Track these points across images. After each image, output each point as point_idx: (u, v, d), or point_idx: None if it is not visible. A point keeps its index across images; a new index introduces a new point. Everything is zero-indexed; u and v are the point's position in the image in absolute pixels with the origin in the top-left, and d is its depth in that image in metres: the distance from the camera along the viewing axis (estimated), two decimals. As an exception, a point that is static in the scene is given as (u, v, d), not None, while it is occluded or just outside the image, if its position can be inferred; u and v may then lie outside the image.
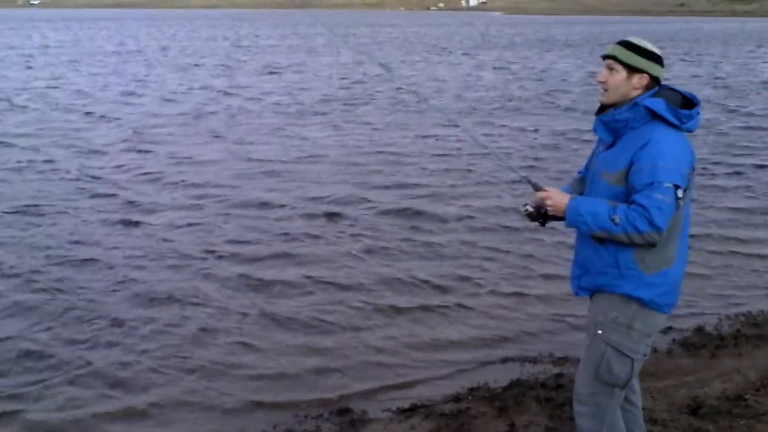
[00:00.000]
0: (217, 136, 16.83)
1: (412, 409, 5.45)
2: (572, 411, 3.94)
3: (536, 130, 17.99)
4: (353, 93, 25.09)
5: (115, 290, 7.69)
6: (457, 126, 14.16)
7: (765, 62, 40.68)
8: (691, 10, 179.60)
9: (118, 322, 6.92)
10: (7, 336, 6.62)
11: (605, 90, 3.69)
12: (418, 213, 10.64)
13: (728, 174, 13.38)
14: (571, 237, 8.29)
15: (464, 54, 46.05)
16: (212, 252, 8.87)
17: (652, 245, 3.49)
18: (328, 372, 6.12)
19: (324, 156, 14.67)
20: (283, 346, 6.57)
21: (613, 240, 3.52)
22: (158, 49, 47.39)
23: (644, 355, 3.71)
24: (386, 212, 10.67)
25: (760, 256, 8.95)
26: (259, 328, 6.90)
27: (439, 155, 14.88)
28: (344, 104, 22.29)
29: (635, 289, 3.60)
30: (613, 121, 3.64)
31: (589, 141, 14.44)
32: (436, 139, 16.67)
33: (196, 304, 7.37)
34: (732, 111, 21.69)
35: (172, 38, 63.15)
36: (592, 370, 3.71)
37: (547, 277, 8.25)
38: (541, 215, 3.81)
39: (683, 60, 41.87)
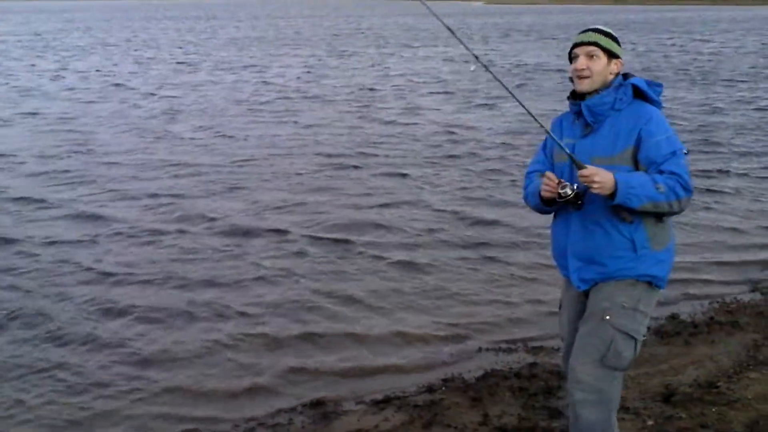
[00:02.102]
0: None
1: (386, 401, 5.43)
2: (558, 401, 3.88)
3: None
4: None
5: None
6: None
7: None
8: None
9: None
10: None
11: (586, 77, 3.68)
12: (388, 204, 10.65)
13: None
14: (539, 226, 8.32)
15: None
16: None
17: (678, 212, 3.55)
18: (301, 364, 6.08)
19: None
20: (255, 339, 6.52)
21: (629, 218, 3.54)
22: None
23: (644, 336, 3.73)
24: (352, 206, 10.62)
25: (729, 245, 9.00)
26: (233, 322, 6.86)
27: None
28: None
29: (649, 268, 3.63)
30: (600, 104, 3.65)
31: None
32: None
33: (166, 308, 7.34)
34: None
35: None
36: (598, 356, 3.64)
37: (521, 266, 8.25)
38: (579, 196, 3.60)
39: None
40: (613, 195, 3.45)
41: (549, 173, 3.67)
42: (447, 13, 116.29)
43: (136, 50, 40.25)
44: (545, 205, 3.80)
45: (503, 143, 15.09)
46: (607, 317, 3.64)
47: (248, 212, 10.31)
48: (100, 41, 47.96)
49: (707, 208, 10.38)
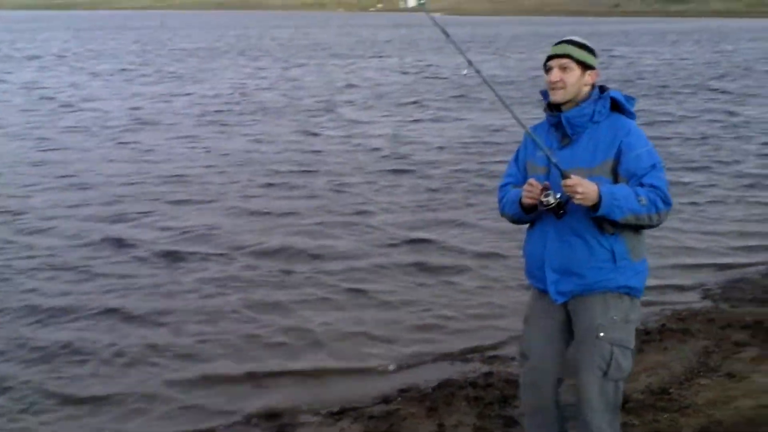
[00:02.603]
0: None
1: (342, 412, 5.43)
2: (514, 410, 3.87)
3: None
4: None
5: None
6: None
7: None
8: (625, 11, 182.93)
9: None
10: None
11: (560, 89, 3.69)
12: (329, 222, 10.59)
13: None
14: (488, 239, 8.33)
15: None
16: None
17: (656, 226, 3.61)
18: (256, 376, 6.06)
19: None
20: (211, 351, 6.48)
21: (610, 230, 3.56)
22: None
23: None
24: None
25: (687, 248, 9.15)
26: (190, 334, 6.81)
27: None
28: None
29: (629, 279, 3.66)
30: (579, 115, 3.68)
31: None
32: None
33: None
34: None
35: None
36: (600, 372, 3.68)
37: (472, 279, 8.28)
38: (561, 205, 3.58)
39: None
40: (596, 206, 3.47)
41: (532, 180, 3.66)
42: (405, 23, 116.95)
43: (77, 62, 39.06)
44: (525, 212, 3.78)
45: (452, 157, 14.89)
46: (602, 334, 3.67)
47: (181, 235, 9.73)
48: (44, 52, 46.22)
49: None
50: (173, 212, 10.83)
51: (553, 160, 3.61)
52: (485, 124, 18.89)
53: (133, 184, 12.55)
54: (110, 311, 7.28)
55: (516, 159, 4.01)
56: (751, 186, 12.60)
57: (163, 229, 9.99)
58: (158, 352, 6.44)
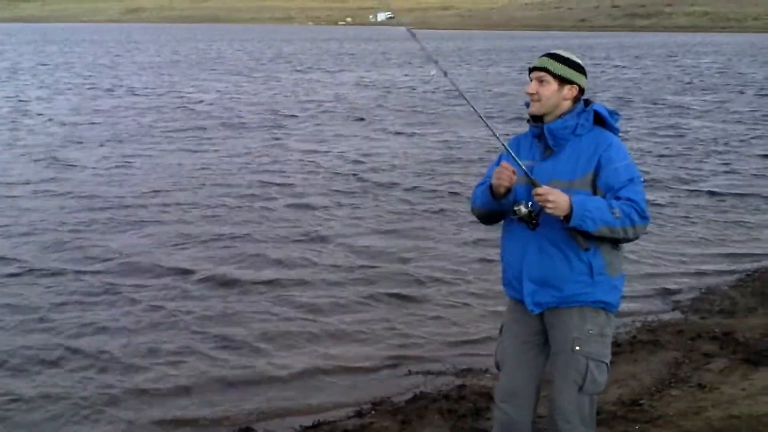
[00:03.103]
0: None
1: (315, 426, 5.41)
2: (487, 422, 3.88)
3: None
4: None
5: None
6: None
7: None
8: (592, 25, 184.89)
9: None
10: None
11: (536, 101, 3.73)
12: (300, 240, 10.36)
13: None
14: (456, 253, 8.32)
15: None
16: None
17: (633, 239, 3.62)
18: (230, 389, 6.03)
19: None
20: (183, 364, 6.43)
21: (585, 244, 3.55)
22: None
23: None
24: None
25: (652, 266, 9.20)
26: (163, 346, 6.76)
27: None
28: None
29: (605, 294, 3.68)
30: (562, 128, 3.69)
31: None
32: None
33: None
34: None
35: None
36: (576, 386, 3.69)
37: (444, 293, 8.27)
38: (534, 215, 3.58)
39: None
40: (568, 217, 3.47)
41: (504, 162, 3.68)
42: (373, 37, 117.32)
43: (46, 75, 38.28)
44: (494, 198, 3.75)
45: (418, 173, 14.64)
46: (578, 347, 3.67)
47: (145, 250, 9.48)
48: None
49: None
50: (103, 239, 9.95)
51: (531, 176, 3.62)
52: (447, 140, 18.70)
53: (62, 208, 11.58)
54: (76, 323, 7.20)
55: (498, 164, 3.95)
56: (715, 200, 12.73)
57: (93, 259, 9.14)
58: (96, 391, 6.01)
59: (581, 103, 3.78)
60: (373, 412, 5.60)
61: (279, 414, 5.66)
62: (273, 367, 6.43)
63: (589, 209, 3.47)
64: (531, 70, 3.81)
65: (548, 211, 3.49)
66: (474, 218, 4.08)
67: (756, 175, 14.92)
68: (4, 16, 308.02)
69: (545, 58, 3.78)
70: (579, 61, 3.82)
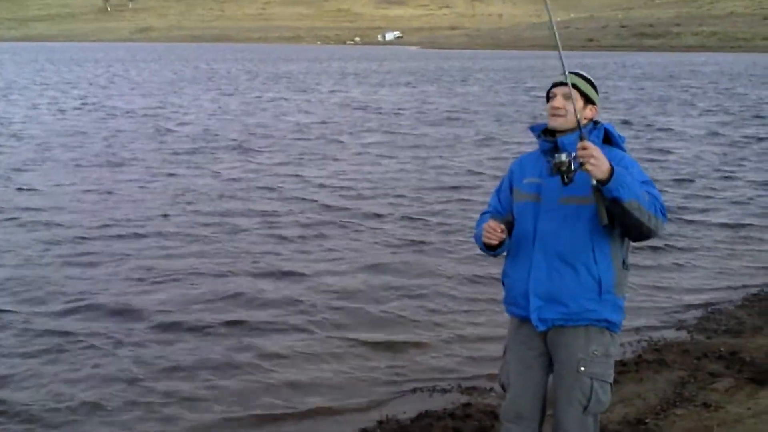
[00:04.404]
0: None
1: (321, 445, 5.43)
2: None
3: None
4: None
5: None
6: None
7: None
8: (600, 44, 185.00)
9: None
10: None
11: (561, 116, 3.72)
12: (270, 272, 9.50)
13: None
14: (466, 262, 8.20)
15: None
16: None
17: (652, 232, 3.53)
18: (230, 408, 6.01)
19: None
20: (178, 393, 6.31)
21: (605, 219, 3.48)
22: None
23: None
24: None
25: (658, 286, 9.20)
26: (149, 358, 6.78)
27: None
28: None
29: (610, 314, 3.68)
30: (575, 142, 3.59)
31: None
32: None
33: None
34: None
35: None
36: (581, 407, 3.70)
37: (453, 306, 8.33)
38: (571, 170, 3.45)
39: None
40: (604, 181, 3.39)
41: (492, 222, 3.68)
42: (385, 56, 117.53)
43: (36, 93, 37.61)
44: (488, 249, 3.79)
45: (398, 199, 13.76)
46: (582, 368, 3.68)
47: (93, 289, 8.63)
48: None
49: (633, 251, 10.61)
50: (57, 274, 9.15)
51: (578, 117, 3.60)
52: (431, 164, 17.96)
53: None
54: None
55: (499, 190, 4.02)
56: (719, 222, 12.72)
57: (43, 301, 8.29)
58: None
59: (591, 123, 3.80)
60: (378, 429, 5.61)
61: (283, 430, 5.67)
62: (276, 383, 6.44)
63: (626, 180, 3.41)
64: (555, 85, 3.80)
65: (588, 167, 3.37)
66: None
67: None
68: (15, 35, 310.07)
69: (573, 76, 3.77)
70: (596, 83, 3.86)
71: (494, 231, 3.65)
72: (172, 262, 9.73)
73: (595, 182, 3.42)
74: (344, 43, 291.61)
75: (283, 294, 8.61)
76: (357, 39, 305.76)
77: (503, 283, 3.97)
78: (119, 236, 10.93)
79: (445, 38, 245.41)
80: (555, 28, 3.65)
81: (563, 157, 3.44)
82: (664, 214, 3.55)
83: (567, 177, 3.46)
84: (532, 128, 3.91)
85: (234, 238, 10.94)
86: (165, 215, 12.22)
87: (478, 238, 3.88)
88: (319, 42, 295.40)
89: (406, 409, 5.96)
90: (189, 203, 13.18)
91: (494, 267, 8.87)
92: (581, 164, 3.41)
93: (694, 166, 18.40)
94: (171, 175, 16.03)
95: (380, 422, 5.73)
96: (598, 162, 3.37)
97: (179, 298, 8.43)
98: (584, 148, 3.39)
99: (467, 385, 6.41)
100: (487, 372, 6.52)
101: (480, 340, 7.37)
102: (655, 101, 37.60)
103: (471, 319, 7.98)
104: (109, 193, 14.03)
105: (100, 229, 11.31)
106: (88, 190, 14.22)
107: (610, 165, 3.40)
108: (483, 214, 4.04)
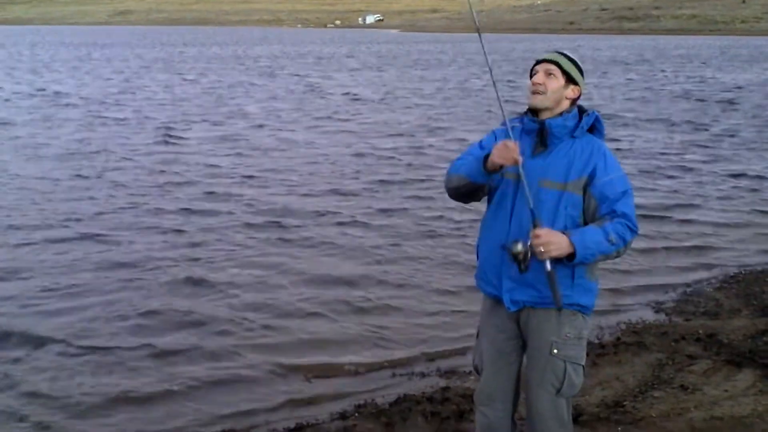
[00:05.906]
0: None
1: (298, 428, 5.39)
2: (470, 424, 3.87)
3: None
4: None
5: None
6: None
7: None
8: (580, 27, 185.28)
9: None
10: None
11: (541, 93, 3.67)
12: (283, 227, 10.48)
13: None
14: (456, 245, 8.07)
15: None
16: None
17: (621, 255, 3.64)
18: (212, 391, 5.99)
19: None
20: (163, 366, 6.39)
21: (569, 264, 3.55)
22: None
23: None
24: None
25: (636, 269, 9.20)
26: (139, 347, 6.71)
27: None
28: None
29: (582, 297, 3.67)
30: (562, 126, 3.65)
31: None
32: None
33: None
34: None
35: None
36: (554, 389, 3.70)
37: (430, 291, 8.31)
38: (527, 258, 3.49)
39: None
40: (571, 256, 3.46)
41: (511, 142, 3.51)
42: (364, 39, 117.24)
43: None
44: (485, 171, 3.60)
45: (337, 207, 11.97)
46: (555, 351, 3.67)
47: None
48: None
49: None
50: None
51: (523, 178, 3.52)
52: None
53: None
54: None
55: (481, 146, 3.84)
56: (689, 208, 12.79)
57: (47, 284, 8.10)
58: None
59: (576, 109, 3.75)
60: (356, 414, 5.57)
61: (262, 416, 5.64)
62: (255, 370, 6.40)
63: (589, 246, 3.47)
64: (537, 62, 3.77)
65: (546, 256, 3.44)
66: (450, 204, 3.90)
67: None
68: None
69: (556, 54, 3.76)
70: (582, 66, 3.81)
71: (514, 149, 3.48)
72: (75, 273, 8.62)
73: (549, 268, 3.48)
74: (325, 26, 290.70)
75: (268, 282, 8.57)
76: (338, 22, 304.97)
77: (477, 256, 3.92)
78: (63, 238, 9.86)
79: (426, 21, 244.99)
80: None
81: (519, 246, 3.47)
82: (634, 231, 3.58)
83: (523, 265, 3.50)
84: (519, 119, 3.80)
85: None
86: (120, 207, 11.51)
87: (466, 163, 3.72)
88: (299, 25, 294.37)
89: (383, 394, 5.93)
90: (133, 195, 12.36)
91: (466, 252, 8.88)
92: (540, 253, 3.45)
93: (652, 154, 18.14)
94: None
95: (358, 406, 5.70)
96: (555, 246, 3.43)
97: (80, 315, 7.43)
98: (537, 236, 3.44)
99: (445, 368, 6.39)
100: (464, 356, 6.51)
101: (458, 324, 7.35)
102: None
103: (448, 303, 7.96)
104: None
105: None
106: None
107: (569, 241, 3.44)
108: (462, 156, 3.86)
